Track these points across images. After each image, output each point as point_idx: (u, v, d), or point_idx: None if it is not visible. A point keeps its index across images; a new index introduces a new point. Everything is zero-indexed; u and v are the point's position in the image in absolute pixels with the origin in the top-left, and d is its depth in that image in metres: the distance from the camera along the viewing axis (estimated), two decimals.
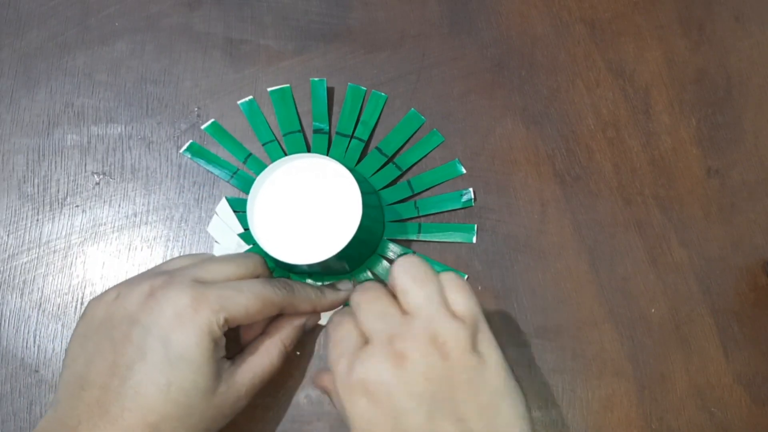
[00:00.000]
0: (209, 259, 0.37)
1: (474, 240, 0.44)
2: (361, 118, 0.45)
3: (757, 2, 0.48)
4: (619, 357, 0.42)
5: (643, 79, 0.46)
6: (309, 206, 0.39)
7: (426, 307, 0.33)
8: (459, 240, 0.44)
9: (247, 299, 0.35)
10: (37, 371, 0.43)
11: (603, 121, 0.46)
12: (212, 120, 0.46)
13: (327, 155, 0.44)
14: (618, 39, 0.47)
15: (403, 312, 0.34)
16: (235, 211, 0.44)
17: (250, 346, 0.37)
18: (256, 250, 0.42)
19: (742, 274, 0.44)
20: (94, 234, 0.45)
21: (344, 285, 0.41)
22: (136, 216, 0.45)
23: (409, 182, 0.44)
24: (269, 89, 0.46)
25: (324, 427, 0.41)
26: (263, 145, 0.45)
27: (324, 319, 0.41)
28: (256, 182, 0.39)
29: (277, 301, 0.36)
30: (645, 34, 0.47)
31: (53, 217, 0.45)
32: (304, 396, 0.42)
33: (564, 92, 0.46)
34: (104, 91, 0.47)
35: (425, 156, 0.45)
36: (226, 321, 0.34)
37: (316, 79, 0.45)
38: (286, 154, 0.45)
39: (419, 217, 0.44)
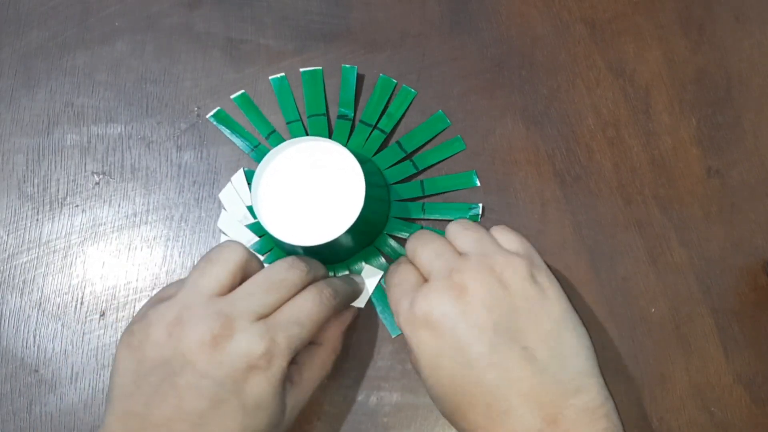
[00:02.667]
0: (257, 286, 0.35)
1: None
2: (387, 110, 0.46)
3: (757, 2, 0.48)
4: (619, 357, 0.42)
5: (643, 79, 0.46)
6: (313, 188, 0.39)
7: (480, 245, 0.36)
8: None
9: (310, 331, 0.35)
10: (36, 371, 0.43)
11: (603, 121, 0.46)
12: (242, 91, 0.46)
13: (347, 142, 0.45)
14: (618, 39, 0.47)
15: (459, 253, 0.36)
16: (249, 184, 0.44)
17: (308, 361, 0.37)
18: (260, 232, 0.43)
19: (742, 274, 0.44)
20: (94, 234, 0.45)
21: (359, 278, 0.42)
22: (136, 216, 0.45)
23: (422, 182, 0.44)
24: (301, 69, 0.46)
25: (324, 427, 0.41)
26: (287, 123, 0.45)
27: (359, 302, 0.42)
28: (259, 166, 0.39)
29: (330, 315, 0.36)
30: (645, 34, 0.47)
31: (53, 217, 0.45)
32: None
33: (564, 92, 0.46)
34: (104, 91, 0.47)
35: (443, 160, 0.45)
36: (293, 357, 0.34)
37: (347, 65, 0.46)
38: (307, 135, 0.45)
39: (423, 219, 0.44)
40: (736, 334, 0.43)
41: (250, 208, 0.43)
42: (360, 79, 0.46)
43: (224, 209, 0.44)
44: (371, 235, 0.43)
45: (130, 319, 0.43)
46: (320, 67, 0.46)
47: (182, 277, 0.42)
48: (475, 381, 0.33)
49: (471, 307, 0.33)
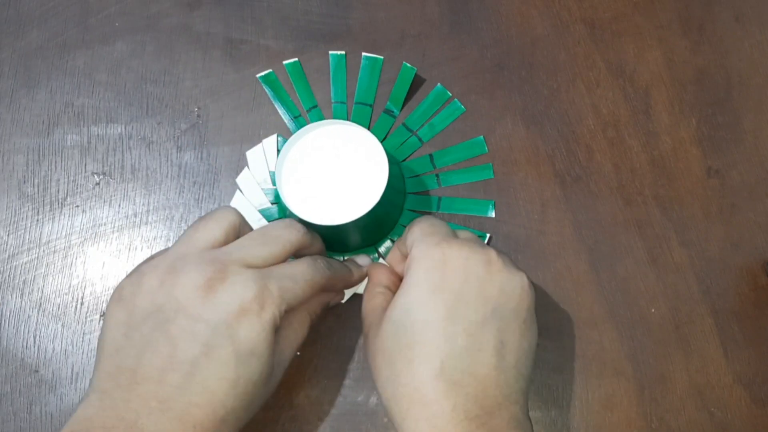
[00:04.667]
0: (251, 239, 0.35)
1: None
2: (432, 120, 0.46)
3: (757, 2, 0.48)
4: (619, 357, 0.42)
5: (643, 79, 0.46)
6: (337, 170, 0.39)
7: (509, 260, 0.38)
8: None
9: (302, 289, 0.35)
10: (37, 371, 0.43)
11: (603, 121, 0.46)
12: (295, 59, 0.46)
13: (384, 139, 0.45)
14: (618, 39, 0.47)
15: None
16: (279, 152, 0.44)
17: (283, 321, 0.37)
18: (276, 200, 0.44)
19: (742, 274, 0.44)
20: (94, 234, 0.45)
21: (363, 260, 0.42)
22: (136, 216, 0.45)
23: (439, 198, 0.45)
24: (364, 54, 0.46)
25: (324, 427, 0.41)
26: (333, 103, 0.46)
27: (346, 297, 0.42)
28: (287, 142, 0.39)
29: (322, 283, 0.36)
30: (645, 34, 0.47)
31: (53, 217, 0.45)
32: (304, 396, 0.42)
33: (564, 92, 0.46)
34: (104, 91, 0.47)
35: (462, 161, 0.45)
36: (285, 311, 0.34)
37: (408, 64, 0.46)
38: (349, 120, 0.45)
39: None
40: (736, 334, 0.43)
41: (272, 174, 0.43)
42: (418, 81, 0.46)
43: (248, 167, 0.45)
44: (376, 235, 0.43)
45: None
46: (382, 57, 0.46)
47: None
48: (448, 337, 0.33)
49: (491, 280, 0.34)
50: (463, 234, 0.38)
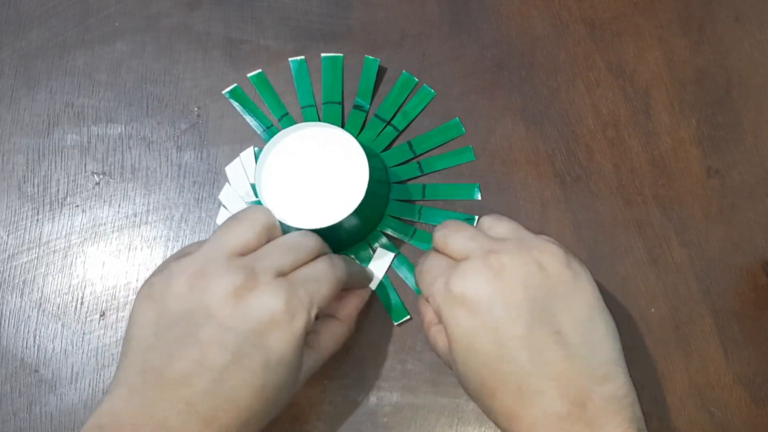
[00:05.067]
0: (276, 247, 0.35)
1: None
2: (404, 108, 0.46)
3: (757, 2, 0.48)
4: None
5: (643, 79, 0.46)
6: (317, 173, 0.39)
7: (516, 232, 0.36)
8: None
9: (328, 288, 0.35)
10: (37, 371, 0.43)
11: (603, 121, 0.46)
12: (259, 70, 0.46)
13: (359, 134, 0.45)
14: (618, 39, 0.47)
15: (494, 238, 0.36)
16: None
17: (324, 330, 0.37)
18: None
19: (742, 274, 0.44)
20: (94, 234, 0.45)
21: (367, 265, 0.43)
22: (136, 216, 0.45)
23: (424, 186, 0.44)
24: (323, 54, 0.46)
25: (324, 427, 0.41)
26: (302, 108, 0.46)
27: (372, 286, 0.43)
28: (265, 148, 0.39)
29: (344, 279, 0.36)
30: (645, 34, 0.47)
31: (53, 217, 0.45)
32: (304, 396, 0.42)
33: (564, 92, 0.46)
34: (104, 91, 0.47)
35: (450, 167, 0.45)
36: (316, 316, 0.34)
37: (370, 57, 0.46)
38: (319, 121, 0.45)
39: (416, 222, 0.44)
40: (736, 334, 0.43)
41: (254, 186, 0.44)
42: (381, 72, 0.46)
43: (228, 183, 0.45)
44: (366, 229, 0.43)
45: None
46: (341, 54, 0.46)
47: None
48: (508, 361, 0.33)
49: (509, 286, 0.33)
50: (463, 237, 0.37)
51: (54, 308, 0.44)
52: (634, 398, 0.33)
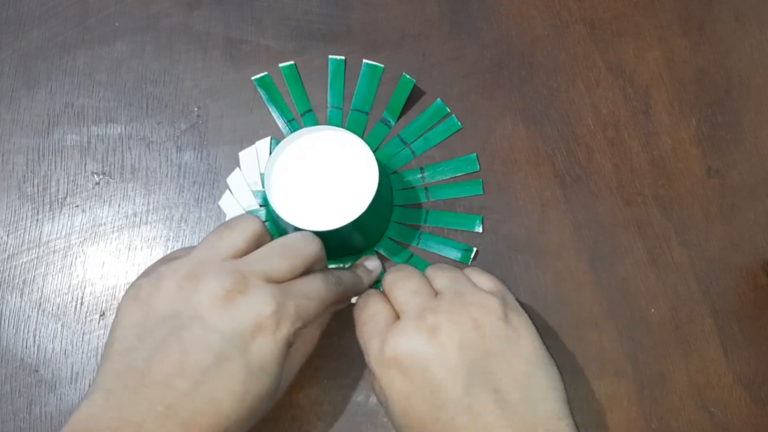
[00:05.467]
0: (272, 251, 0.35)
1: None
2: (426, 134, 0.45)
3: (757, 2, 0.48)
4: (619, 357, 0.42)
5: (643, 79, 0.46)
6: (326, 176, 0.39)
7: (454, 283, 0.35)
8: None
9: (316, 307, 0.34)
10: (36, 371, 0.43)
11: (603, 121, 0.46)
12: (292, 62, 0.46)
13: (378, 148, 0.45)
14: (618, 39, 0.47)
15: (435, 293, 0.36)
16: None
17: (300, 339, 0.37)
18: (265, 202, 0.44)
19: (742, 274, 0.44)
20: (94, 234, 0.45)
21: (372, 263, 0.42)
22: (136, 216, 0.45)
23: (426, 212, 0.44)
24: (364, 61, 0.46)
25: (324, 427, 0.41)
26: (330, 108, 0.46)
27: (355, 298, 0.42)
28: (275, 150, 0.39)
29: (333, 300, 0.36)
30: (645, 34, 0.47)
31: (53, 217, 0.45)
32: (304, 396, 0.42)
33: (564, 92, 0.46)
34: (104, 91, 0.47)
35: (453, 176, 0.45)
36: (299, 330, 0.34)
37: (408, 76, 0.45)
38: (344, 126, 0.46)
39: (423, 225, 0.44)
40: (736, 334, 0.43)
41: (263, 176, 0.44)
42: (416, 92, 0.46)
43: (239, 168, 0.45)
44: (362, 244, 0.43)
45: None
46: (382, 65, 0.46)
47: None
48: (446, 423, 0.32)
49: (443, 348, 0.33)
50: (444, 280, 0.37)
51: (54, 308, 0.44)
52: None
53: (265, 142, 0.45)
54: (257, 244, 0.36)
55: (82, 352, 0.43)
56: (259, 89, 0.46)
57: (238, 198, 0.44)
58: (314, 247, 0.36)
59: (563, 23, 0.47)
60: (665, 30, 0.47)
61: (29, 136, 0.46)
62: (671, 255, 0.44)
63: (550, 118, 0.46)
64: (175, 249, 0.44)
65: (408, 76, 0.45)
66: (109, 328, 0.43)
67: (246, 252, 0.35)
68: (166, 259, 0.36)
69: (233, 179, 0.45)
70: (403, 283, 0.36)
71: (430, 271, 0.38)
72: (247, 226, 0.35)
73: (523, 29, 0.47)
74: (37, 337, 0.43)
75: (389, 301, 0.37)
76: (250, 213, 0.37)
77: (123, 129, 0.46)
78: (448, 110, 0.46)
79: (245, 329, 0.32)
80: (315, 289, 0.35)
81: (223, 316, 0.32)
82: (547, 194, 0.45)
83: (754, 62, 0.47)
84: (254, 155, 0.45)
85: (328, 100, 0.46)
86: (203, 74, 0.47)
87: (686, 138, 0.45)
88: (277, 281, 0.34)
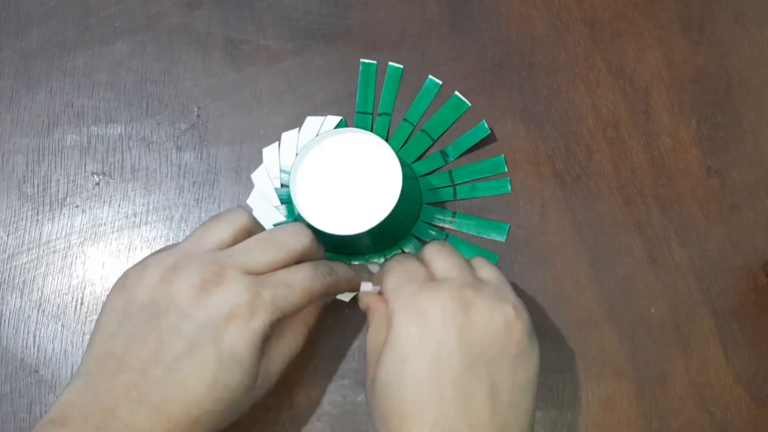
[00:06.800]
0: (255, 243, 0.35)
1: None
2: (457, 141, 0.45)
3: (757, 2, 0.48)
4: (619, 357, 0.42)
5: (643, 79, 0.46)
6: (351, 179, 0.39)
7: (497, 281, 0.36)
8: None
9: (299, 297, 0.34)
10: (36, 371, 0.43)
11: (603, 121, 0.46)
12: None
13: (401, 148, 0.45)
14: (618, 39, 0.47)
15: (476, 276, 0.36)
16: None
17: (276, 330, 0.36)
18: (293, 214, 0.44)
19: (742, 274, 0.44)
20: (93, 234, 0.45)
21: (375, 268, 0.42)
22: (136, 216, 0.45)
23: (454, 213, 0.44)
24: (390, 63, 0.46)
25: (324, 427, 0.41)
26: (357, 113, 0.46)
27: (346, 296, 0.42)
28: (298, 156, 0.39)
29: (323, 291, 0.36)
30: (645, 34, 0.47)
31: (53, 217, 0.45)
32: (304, 396, 0.42)
33: (564, 92, 0.46)
34: (104, 91, 0.47)
35: (481, 179, 0.45)
36: (277, 320, 0.34)
37: (434, 78, 0.46)
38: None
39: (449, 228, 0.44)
40: (736, 334, 0.43)
41: (283, 172, 0.45)
42: (441, 92, 0.46)
43: (264, 166, 0.45)
44: (388, 243, 0.43)
45: None
46: (401, 66, 0.46)
47: None
48: (434, 392, 0.32)
49: (470, 325, 0.33)
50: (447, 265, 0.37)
51: (54, 308, 0.44)
52: None
53: (292, 134, 0.45)
54: (245, 236, 0.36)
55: (82, 352, 0.43)
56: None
57: (264, 194, 0.44)
58: (303, 240, 0.36)
59: (563, 23, 0.47)
60: (665, 30, 0.47)
61: (29, 136, 0.46)
62: (671, 255, 0.44)
63: (550, 118, 0.46)
64: None
65: (434, 79, 0.46)
66: None
67: (233, 243, 0.35)
68: (157, 251, 0.36)
69: (258, 176, 0.45)
70: (448, 256, 0.37)
71: (477, 261, 0.38)
72: (234, 219, 0.36)
73: (523, 29, 0.47)
74: (37, 337, 0.43)
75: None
76: (240, 209, 0.37)
77: (123, 129, 0.46)
78: (488, 130, 0.45)
79: (218, 318, 0.32)
80: (299, 278, 0.35)
81: (197, 304, 0.32)
82: (547, 194, 0.45)
83: (754, 62, 0.47)
84: (275, 149, 0.45)
85: (356, 105, 0.46)
86: (203, 74, 0.47)
87: (686, 138, 0.45)
88: (255, 272, 0.34)
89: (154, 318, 0.32)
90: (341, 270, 0.38)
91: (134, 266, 0.35)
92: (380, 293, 0.37)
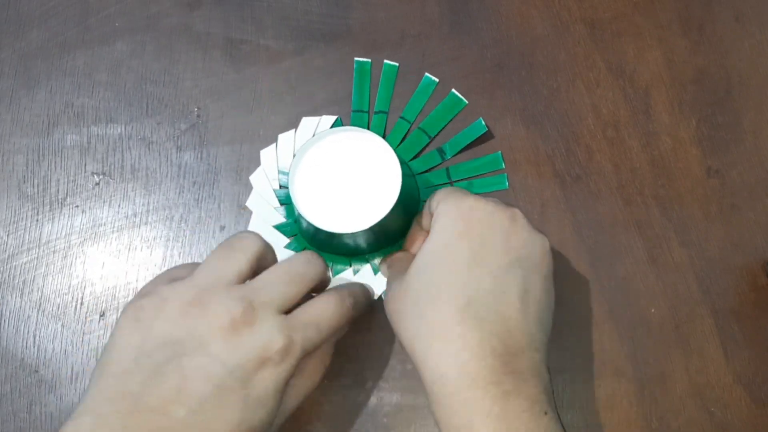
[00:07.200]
0: (278, 277, 0.34)
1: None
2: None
3: (757, 2, 0.48)
4: (619, 357, 0.42)
5: (643, 79, 0.46)
6: (350, 178, 0.39)
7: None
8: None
9: (324, 339, 0.34)
10: (36, 371, 0.43)
11: (603, 121, 0.46)
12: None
13: (398, 145, 0.45)
14: (618, 39, 0.47)
15: None
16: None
17: (296, 370, 0.35)
18: (293, 215, 0.43)
19: (742, 274, 0.44)
20: (93, 234, 0.45)
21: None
22: (135, 216, 0.45)
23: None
24: (386, 61, 0.46)
25: (324, 427, 0.41)
26: (353, 112, 0.46)
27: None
28: (296, 155, 0.39)
29: (345, 323, 0.36)
30: (645, 34, 0.47)
31: (53, 217, 0.45)
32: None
33: (564, 92, 0.46)
34: (104, 91, 0.47)
35: (479, 175, 0.45)
36: (299, 359, 0.33)
37: (431, 76, 0.46)
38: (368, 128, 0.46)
39: None
40: (736, 334, 0.43)
41: (281, 173, 0.45)
42: (438, 90, 0.46)
43: (262, 168, 0.45)
44: (388, 241, 0.43)
45: None
46: (397, 64, 0.46)
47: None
48: (471, 279, 0.34)
49: (514, 231, 0.35)
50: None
51: (54, 308, 0.44)
52: (549, 379, 0.34)
53: (286, 135, 0.45)
54: (260, 263, 0.35)
55: (82, 352, 0.43)
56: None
57: (262, 196, 0.44)
58: (318, 268, 0.35)
59: (563, 23, 0.47)
60: (665, 30, 0.47)
61: (29, 136, 0.46)
62: (671, 255, 0.44)
63: (550, 118, 0.46)
64: (175, 249, 0.44)
65: (431, 77, 0.46)
66: (109, 329, 0.43)
67: (250, 274, 0.34)
68: (167, 278, 0.35)
69: (256, 178, 0.45)
70: (449, 187, 0.39)
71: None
72: (248, 248, 0.34)
73: (523, 29, 0.47)
74: (37, 337, 0.43)
75: None
76: (251, 233, 0.36)
77: (123, 129, 0.46)
78: (486, 127, 0.45)
79: (249, 361, 0.31)
80: (327, 318, 0.34)
81: (227, 346, 0.31)
82: (547, 194, 0.45)
83: (754, 62, 0.47)
84: (274, 152, 0.45)
85: (352, 104, 0.46)
86: (203, 74, 0.47)
87: (686, 138, 0.45)
88: (284, 310, 0.33)
89: (178, 357, 0.31)
90: (361, 296, 0.38)
91: (147, 296, 0.33)
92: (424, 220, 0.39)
